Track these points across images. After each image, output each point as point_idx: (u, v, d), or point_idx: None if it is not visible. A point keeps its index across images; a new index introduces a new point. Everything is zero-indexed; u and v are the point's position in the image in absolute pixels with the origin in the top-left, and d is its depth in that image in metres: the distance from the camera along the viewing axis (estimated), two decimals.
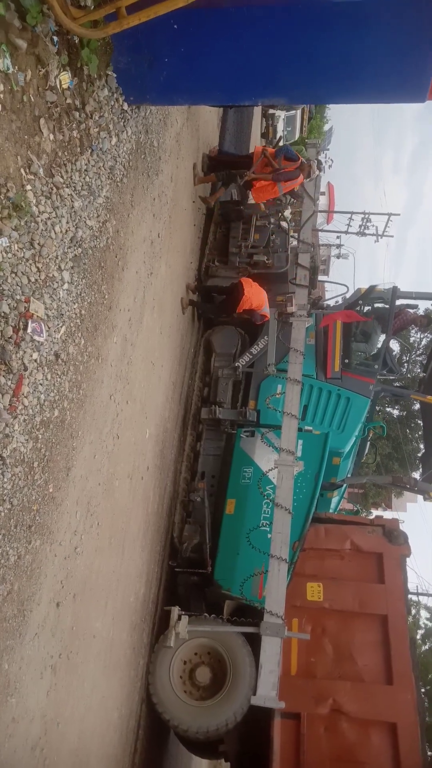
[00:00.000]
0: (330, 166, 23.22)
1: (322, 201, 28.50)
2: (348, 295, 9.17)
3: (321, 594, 6.16)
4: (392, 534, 6.54)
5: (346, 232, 27.39)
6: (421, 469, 10.04)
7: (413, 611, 20.84)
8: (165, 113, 5.62)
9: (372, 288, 8.41)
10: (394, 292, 8.35)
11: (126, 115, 4.28)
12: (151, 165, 5.21)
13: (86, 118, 3.62)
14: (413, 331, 13.98)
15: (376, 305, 8.60)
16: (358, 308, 8.35)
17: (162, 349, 6.25)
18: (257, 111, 15.87)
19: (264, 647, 4.92)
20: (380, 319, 8.40)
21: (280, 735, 5.36)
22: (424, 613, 21.87)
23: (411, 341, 17.70)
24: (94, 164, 3.81)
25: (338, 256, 29.74)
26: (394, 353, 9.09)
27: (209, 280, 8.36)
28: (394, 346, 9.70)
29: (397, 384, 9.04)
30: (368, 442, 9.03)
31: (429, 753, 6.09)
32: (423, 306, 9.98)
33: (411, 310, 8.58)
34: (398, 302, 8.42)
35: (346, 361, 8.01)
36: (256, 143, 15.30)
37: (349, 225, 27.01)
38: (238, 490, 6.94)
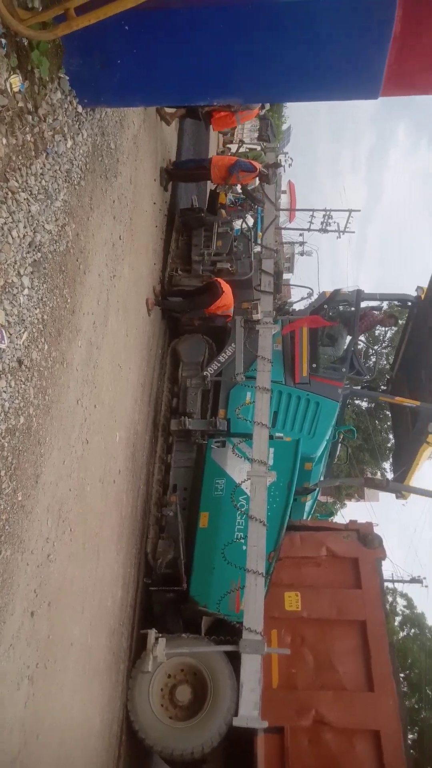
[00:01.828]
0: (290, 165, 23.42)
1: (284, 199, 28.71)
2: (313, 298, 9.19)
3: (299, 603, 6.14)
4: (367, 538, 6.57)
5: (309, 230, 27.73)
6: (392, 468, 10.18)
7: (390, 599, 21.20)
8: (121, 115, 5.58)
9: (337, 291, 8.43)
10: (359, 295, 8.40)
11: (81, 118, 4.25)
12: (109, 167, 5.18)
13: (40, 122, 3.59)
14: (380, 330, 14.17)
15: (341, 308, 8.64)
16: (323, 312, 8.37)
17: (128, 351, 6.22)
18: None
19: (244, 665, 4.85)
20: (346, 322, 8.45)
21: (264, 750, 5.32)
22: (401, 601, 22.31)
23: (376, 334, 18.00)
24: (50, 168, 3.77)
25: (302, 254, 30.06)
26: (361, 346, 9.16)
27: (173, 290, 8.25)
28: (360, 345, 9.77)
29: (365, 384, 9.10)
30: (339, 444, 9.08)
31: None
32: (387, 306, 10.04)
33: (376, 312, 8.64)
34: (362, 304, 8.49)
35: (314, 365, 8.02)
36: (214, 150, 15.21)
37: (311, 222, 27.34)
38: (211, 503, 6.86)
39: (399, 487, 8.33)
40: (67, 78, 3.87)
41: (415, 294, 8.70)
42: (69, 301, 4.17)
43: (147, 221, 7.17)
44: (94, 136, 4.66)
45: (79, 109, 4.15)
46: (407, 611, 21.80)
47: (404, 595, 22.32)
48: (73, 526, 4.36)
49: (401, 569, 28.12)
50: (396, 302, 9.43)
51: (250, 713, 4.59)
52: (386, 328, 13.55)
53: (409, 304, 8.80)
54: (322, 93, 3.95)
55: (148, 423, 7.41)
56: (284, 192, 28.33)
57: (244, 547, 5.73)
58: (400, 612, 21.81)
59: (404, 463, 8.69)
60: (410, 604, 21.94)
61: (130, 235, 6.14)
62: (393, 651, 5.85)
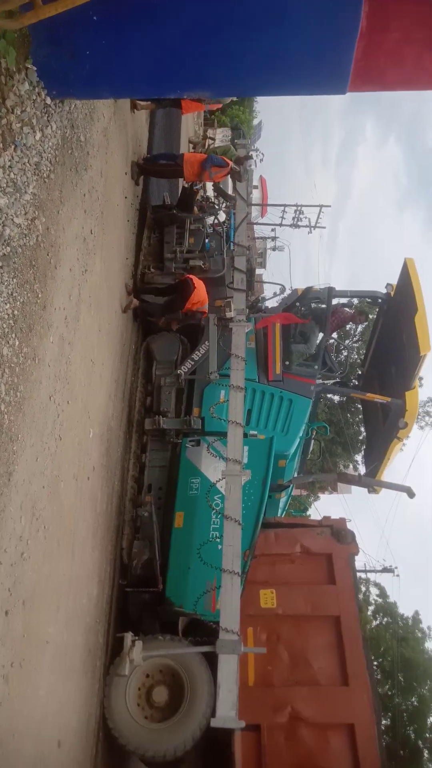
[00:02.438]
0: (261, 160, 23.45)
1: (256, 194, 28.74)
2: (286, 294, 9.23)
3: (274, 600, 6.19)
4: (340, 534, 6.65)
5: (280, 225, 27.86)
6: (364, 461, 10.33)
7: (363, 589, 21.61)
8: (91, 107, 5.50)
9: (309, 289, 8.48)
10: (330, 292, 8.47)
11: (49, 110, 4.17)
12: (79, 160, 5.11)
13: (7, 113, 3.52)
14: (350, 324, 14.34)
15: (313, 305, 8.70)
16: (295, 309, 8.40)
17: (101, 346, 6.17)
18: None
19: (221, 666, 4.86)
20: (318, 319, 8.51)
21: (241, 748, 5.35)
22: (373, 590, 22.77)
23: (347, 329, 18.21)
24: (18, 160, 3.70)
25: (274, 249, 30.18)
26: (332, 342, 9.23)
27: (146, 288, 8.16)
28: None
29: (337, 380, 9.20)
30: (312, 440, 9.17)
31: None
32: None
33: (347, 309, 8.73)
34: (334, 301, 8.57)
35: (287, 363, 8.06)
36: (186, 145, 15.06)
37: (282, 217, 27.47)
38: (186, 503, 6.85)
39: (371, 482, 8.46)
40: (35, 69, 3.80)
41: (385, 291, 8.83)
42: (40, 296, 4.13)
43: (119, 215, 7.12)
44: (64, 129, 4.61)
45: (48, 100, 4.08)
46: (380, 600, 22.27)
47: (377, 585, 22.80)
48: (48, 524, 4.33)
49: (373, 559, 28.63)
50: (367, 299, 9.55)
51: (227, 714, 4.60)
52: (357, 324, 13.73)
53: (380, 300, 8.92)
54: (291, 87, 4.00)
55: (123, 419, 7.37)
56: (256, 187, 28.37)
57: (220, 547, 5.74)
58: (373, 601, 22.26)
59: (376, 458, 8.84)
60: (383, 593, 22.42)
61: (102, 229, 6.09)
62: (367, 645, 5.95)
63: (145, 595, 6.43)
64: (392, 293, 8.63)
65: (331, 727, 5.51)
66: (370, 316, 9.83)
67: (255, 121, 28.38)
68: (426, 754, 17.07)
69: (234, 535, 5.61)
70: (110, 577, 6.38)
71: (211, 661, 5.38)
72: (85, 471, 5.48)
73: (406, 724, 17.32)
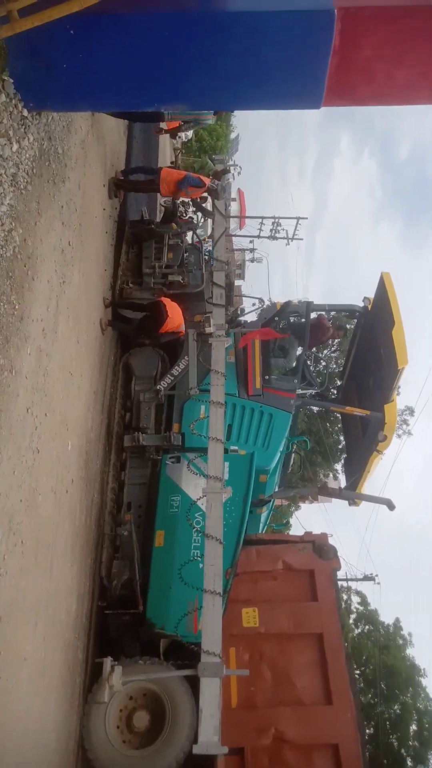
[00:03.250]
0: (239, 173, 23.64)
1: (234, 207, 28.92)
2: (265, 306, 9.25)
3: (257, 619, 6.12)
4: (322, 549, 6.63)
5: (258, 237, 28.04)
6: (344, 472, 10.36)
7: (345, 597, 21.63)
8: (68, 120, 5.52)
9: (288, 303, 8.52)
10: (308, 307, 8.52)
11: (26, 122, 4.19)
12: (56, 172, 5.12)
13: None
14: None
15: (292, 319, 8.73)
16: (274, 324, 8.42)
17: (80, 358, 6.14)
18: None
19: (203, 690, 4.77)
20: (296, 334, 8.54)
21: None
22: (355, 598, 22.79)
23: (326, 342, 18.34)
24: None
25: (252, 260, 30.38)
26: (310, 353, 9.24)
27: (124, 303, 8.09)
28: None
29: (317, 394, 9.23)
30: (293, 454, 9.16)
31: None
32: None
33: (326, 321, 8.78)
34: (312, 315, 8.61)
35: (267, 377, 8.06)
36: (165, 158, 15.12)
37: (260, 229, 27.66)
38: (167, 521, 6.76)
39: (352, 495, 8.48)
40: (12, 81, 3.81)
41: (362, 304, 8.92)
42: (17, 307, 4.11)
43: (97, 227, 7.11)
44: (41, 141, 4.62)
45: (25, 112, 4.10)
46: (361, 608, 22.30)
47: (358, 593, 22.83)
48: (25, 538, 4.27)
49: (354, 567, 28.70)
50: (344, 313, 9.63)
51: (209, 739, 4.50)
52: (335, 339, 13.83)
53: (357, 314, 9.00)
54: (267, 101, 4.07)
55: (102, 431, 7.32)
56: (234, 200, 28.58)
57: (201, 566, 5.66)
58: (355, 609, 22.28)
59: (356, 471, 8.86)
60: (364, 601, 22.46)
61: (80, 240, 6.08)
62: (350, 661, 5.91)
63: (125, 617, 6.30)
64: (369, 307, 8.71)
65: (315, 747, 5.44)
66: (348, 326, 9.91)
67: (232, 135, 28.66)
68: (409, 762, 17.08)
69: (215, 554, 5.54)
70: (89, 592, 6.32)
71: (194, 684, 5.29)
72: (64, 484, 5.44)
73: (389, 732, 17.31)
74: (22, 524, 4.22)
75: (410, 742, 17.34)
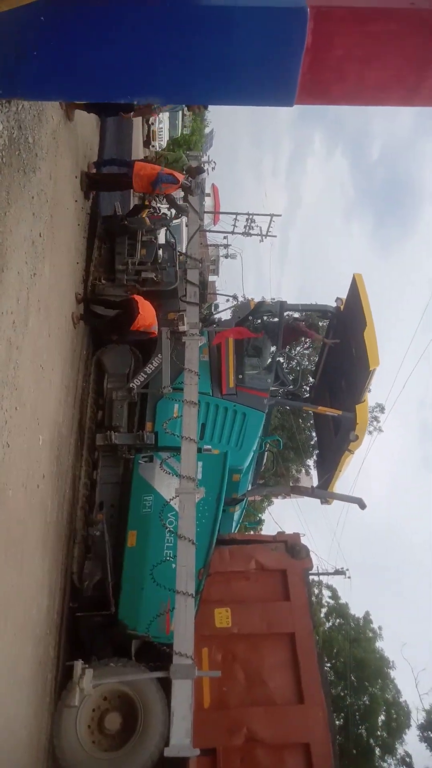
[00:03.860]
0: (213, 168, 23.53)
1: (208, 202, 28.81)
2: (239, 302, 9.22)
3: (229, 619, 6.13)
4: (294, 549, 6.66)
5: (233, 233, 28.01)
6: (316, 470, 10.45)
7: (316, 591, 21.92)
8: (39, 109, 5.41)
9: (261, 303, 8.52)
10: (282, 306, 8.53)
11: None
12: (27, 162, 5.02)
13: None
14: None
15: (265, 319, 8.73)
16: (248, 323, 8.41)
17: (51, 351, 6.05)
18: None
19: (175, 692, 4.74)
20: (270, 333, 8.55)
21: None
22: (326, 592, 23.11)
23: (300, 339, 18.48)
24: None
25: (226, 256, 30.33)
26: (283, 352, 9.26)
27: (96, 299, 7.96)
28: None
29: (290, 393, 9.27)
30: (266, 454, 9.19)
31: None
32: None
33: (302, 322, 8.81)
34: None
35: (240, 376, 8.05)
36: (138, 150, 14.95)
37: (234, 225, 27.63)
38: (139, 521, 6.70)
39: (324, 493, 8.56)
40: None
41: (335, 305, 8.97)
42: None
43: (69, 219, 6.99)
44: (11, 129, 4.53)
45: None
46: (332, 602, 22.63)
47: (329, 587, 23.15)
48: None
49: (326, 562, 29.11)
50: (317, 313, 9.68)
51: (181, 742, 4.49)
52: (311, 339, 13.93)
53: (330, 314, 9.05)
54: (240, 97, 4.05)
55: (74, 426, 7.22)
56: (208, 195, 28.45)
57: (174, 566, 5.63)
58: (326, 603, 22.59)
59: (328, 470, 8.94)
60: (335, 595, 22.79)
61: (51, 232, 5.98)
62: (321, 660, 5.96)
63: (97, 618, 6.23)
64: (342, 307, 8.77)
65: (286, 747, 5.48)
66: (321, 324, 9.99)
67: (207, 130, 28.51)
68: (378, 751, 17.49)
69: (188, 555, 5.51)
70: (61, 588, 6.27)
71: (166, 686, 5.26)
72: (35, 479, 5.39)
73: (358, 723, 17.67)
74: None
75: (379, 732, 17.76)
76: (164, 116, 19.10)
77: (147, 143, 17.41)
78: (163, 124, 19.25)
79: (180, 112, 20.38)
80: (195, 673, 4.81)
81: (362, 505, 8.13)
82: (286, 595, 6.31)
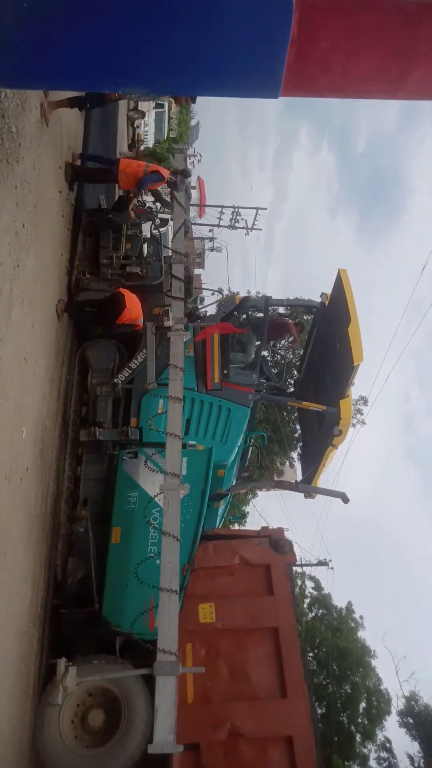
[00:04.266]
0: (199, 161, 23.40)
1: (194, 195, 28.65)
2: (223, 295, 9.19)
3: (213, 614, 6.15)
4: (278, 544, 6.70)
5: (218, 226, 27.94)
6: (300, 464, 10.51)
7: (299, 582, 22.17)
8: (23, 98, 5.34)
9: (246, 298, 8.52)
10: (267, 301, 8.52)
11: None
12: (10, 151, 4.96)
13: None
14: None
15: (250, 314, 8.72)
16: (233, 319, 8.40)
17: (35, 344, 6.00)
18: (122, 113, 15.30)
19: (158, 688, 4.75)
20: (255, 328, 8.54)
21: None
22: (309, 583, 23.39)
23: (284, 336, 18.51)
24: None
25: (212, 249, 30.25)
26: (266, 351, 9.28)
27: (81, 294, 7.88)
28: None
29: (275, 388, 9.29)
30: (250, 448, 9.21)
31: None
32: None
33: (287, 318, 8.82)
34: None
35: (225, 371, 8.04)
36: (123, 145, 14.76)
37: (220, 219, 27.55)
38: (124, 517, 6.68)
39: (307, 488, 8.61)
40: None
41: (319, 300, 8.99)
42: None
43: (53, 210, 6.91)
44: None
45: None
46: (315, 593, 22.91)
47: (312, 578, 23.43)
48: None
49: (309, 553, 29.41)
50: (302, 308, 9.69)
51: (165, 739, 4.50)
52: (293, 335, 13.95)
53: (314, 310, 9.07)
54: (224, 88, 3.99)
55: (58, 419, 7.17)
56: (194, 187, 28.30)
57: (158, 562, 5.62)
58: (309, 594, 22.88)
59: (311, 464, 8.99)
60: (318, 586, 23.08)
61: (35, 223, 5.91)
62: (304, 654, 6.02)
63: (80, 615, 6.21)
64: (326, 302, 8.79)
65: (269, 740, 5.54)
66: (305, 322, 10.01)
67: (192, 122, 28.30)
68: (359, 737, 17.88)
69: (172, 552, 5.50)
70: (45, 581, 6.27)
71: (150, 682, 5.27)
72: (18, 472, 5.38)
73: (339, 710, 18.02)
74: None
75: (360, 720, 18.14)
76: (150, 120, 18.86)
77: (132, 147, 17.21)
78: (149, 127, 19.04)
79: (165, 114, 20.18)
80: (179, 670, 4.82)
81: (345, 500, 8.20)
82: (270, 590, 6.35)
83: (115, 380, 7.73)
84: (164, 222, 8.03)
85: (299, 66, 3.59)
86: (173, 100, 7.06)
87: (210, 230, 28.09)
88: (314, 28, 3.45)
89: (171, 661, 4.91)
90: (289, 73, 3.60)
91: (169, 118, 20.69)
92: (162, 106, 19.98)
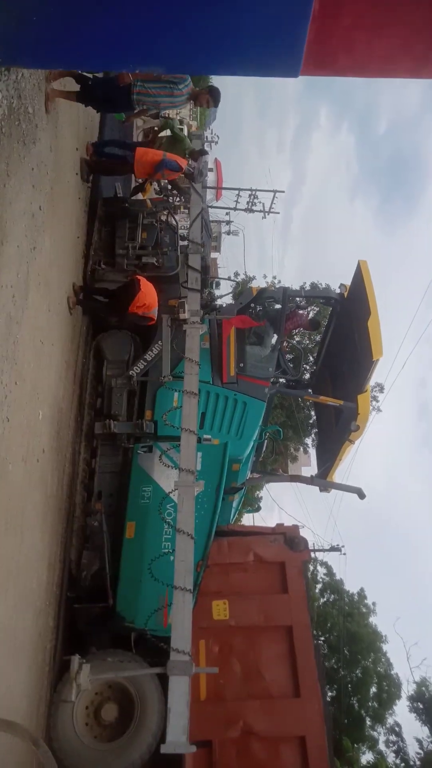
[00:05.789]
0: (216, 143, 22.98)
1: (211, 177, 28.27)
2: (239, 279, 9.00)
3: (227, 611, 6.13)
4: (293, 541, 6.64)
5: (235, 209, 27.57)
6: (317, 458, 10.40)
7: (311, 568, 22.29)
8: (40, 78, 5.24)
9: (264, 290, 8.35)
10: (285, 293, 8.36)
11: None
12: (27, 133, 4.87)
13: None
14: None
15: (267, 305, 8.57)
16: (250, 311, 8.25)
17: (51, 327, 5.99)
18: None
19: (171, 688, 4.73)
20: (272, 321, 8.39)
21: (191, 766, 5.29)
22: (321, 569, 23.52)
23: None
24: None
25: (228, 233, 29.90)
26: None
27: (96, 284, 7.78)
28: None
29: (291, 381, 9.15)
30: (265, 442, 9.12)
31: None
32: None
33: (301, 311, 8.65)
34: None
35: (241, 364, 7.92)
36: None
37: (237, 201, 27.17)
38: (138, 512, 6.65)
39: (323, 483, 8.52)
40: None
41: (338, 291, 8.80)
42: None
43: (69, 192, 6.82)
44: (10, 99, 4.37)
45: None
46: (327, 578, 23.04)
47: (324, 564, 23.53)
48: None
49: (321, 539, 29.49)
50: (320, 299, 9.50)
51: (178, 739, 4.49)
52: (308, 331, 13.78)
53: (333, 301, 8.88)
54: (244, 67, 3.88)
55: (74, 401, 7.19)
56: (211, 170, 27.92)
57: (172, 558, 5.59)
58: (321, 580, 23.02)
59: (327, 459, 8.89)
60: (330, 572, 23.21)
61: (52, 205, 5.84)
62: (318, 653, 5.98)
63: (95, 610, 6.23)
64: (346, 294, 8.60)
65: (282, 740, 5.54)
66: (323, 322, 9.83)
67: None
68: (369, 721, 18.11)
69: (186, 550, 5.45)
70: (60, 560, 6.34)
71: (163, 679, 5.27)
72: (35, 453, 5.40)
73: (350, 694, 18.23)
74: None
75: (370, 703, 18.34)
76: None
77: (148, 134, 16.84)
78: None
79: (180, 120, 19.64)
80: (192, 670, 4.80)
81: (362, 495, 8.10)
82: (285, 588, 6.31)
83: (131, 372, 7.66)
84: (186, 192, 7.86)
85: (321, 44, 3.45)
86: (193, 101, 6.80)
87: (226, 213, 27.74)
88: (337, 4, 3.31)
89: (184, 660, 4.89)
90: (309, 51, 3.47)
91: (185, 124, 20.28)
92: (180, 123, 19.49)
